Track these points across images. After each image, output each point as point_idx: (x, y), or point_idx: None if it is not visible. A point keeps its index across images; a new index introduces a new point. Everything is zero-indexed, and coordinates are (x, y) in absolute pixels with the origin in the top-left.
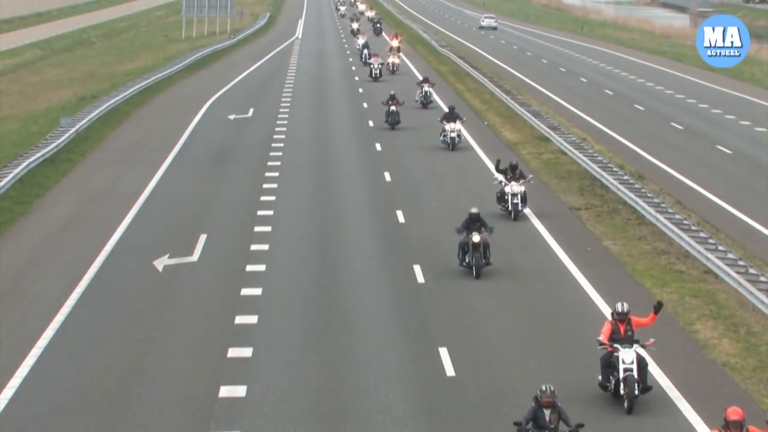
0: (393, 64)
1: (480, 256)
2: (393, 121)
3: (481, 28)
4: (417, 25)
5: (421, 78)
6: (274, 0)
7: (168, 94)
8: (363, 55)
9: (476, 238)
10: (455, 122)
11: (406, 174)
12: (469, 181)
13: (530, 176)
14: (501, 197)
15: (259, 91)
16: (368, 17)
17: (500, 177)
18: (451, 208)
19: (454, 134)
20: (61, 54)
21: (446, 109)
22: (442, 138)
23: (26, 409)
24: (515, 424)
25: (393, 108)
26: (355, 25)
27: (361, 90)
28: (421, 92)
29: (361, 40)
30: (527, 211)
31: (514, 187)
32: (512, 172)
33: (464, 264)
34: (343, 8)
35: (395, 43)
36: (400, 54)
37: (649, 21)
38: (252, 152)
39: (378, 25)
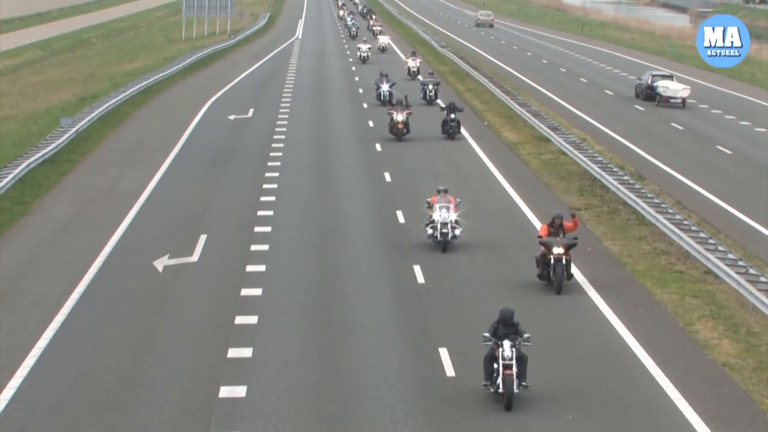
0: None
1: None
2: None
3: None
4: (417, 26)
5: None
6: (274, 0)
7: (168, 94)
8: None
9: (399, 117)
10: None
11: (406, 174)
12: (469, 180)
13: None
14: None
15: (259, 91)
16: (410, 70)
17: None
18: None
19: None
20: (61, 54)
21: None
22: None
23: (26, 409)
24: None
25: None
26: (400, 117)
27: (361, 90)
28: None
29: (437, 212)
30: (527, 211)
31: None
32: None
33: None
34: (365, 47)
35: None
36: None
37: (650, 21)
38: (252, 152)
39: (453, 120)
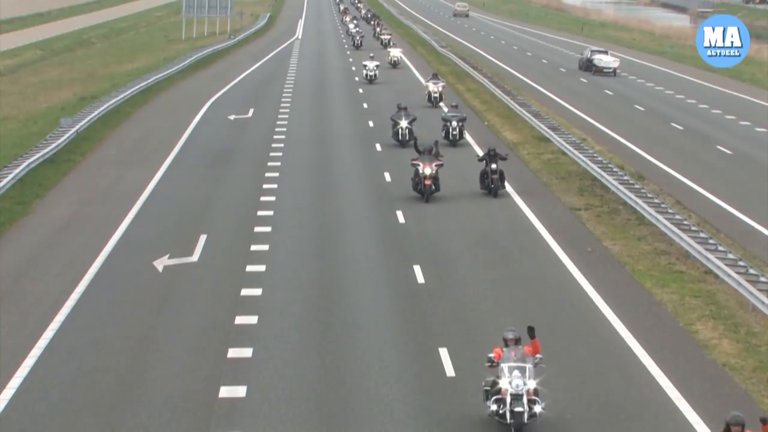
0: None
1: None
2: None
3: None
4: (417, 26)
5: None
6: (274, 0)
7: (168, 94)
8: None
9: (427, 170)
10: None
11: (406, 174)
12: (469, 180)
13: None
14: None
15: (259, 91)
16: (432, 95)
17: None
18: (451, 207)
19: None
20: (61, 54)
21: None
22: None
23: (26, 409)
24: None
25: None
26: (428, 170)
27: (361, 90)
28: None
29: (506, 377)
30: (527, 211)
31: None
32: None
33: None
34: (372, 65)
35: None
36: None
37: (649, 21)
38: (252, 152)
39: (495, 171)
